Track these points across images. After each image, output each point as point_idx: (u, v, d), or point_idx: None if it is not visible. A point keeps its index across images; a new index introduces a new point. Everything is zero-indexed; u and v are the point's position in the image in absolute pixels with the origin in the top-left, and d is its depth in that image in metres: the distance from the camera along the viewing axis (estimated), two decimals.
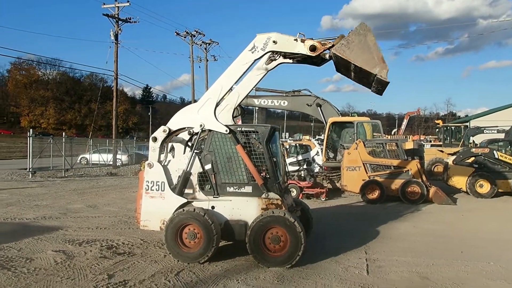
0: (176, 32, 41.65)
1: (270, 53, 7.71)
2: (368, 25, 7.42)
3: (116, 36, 31.40)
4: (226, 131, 7.58)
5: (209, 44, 45.78)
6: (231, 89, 7.91)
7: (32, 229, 9.83)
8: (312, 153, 22.01)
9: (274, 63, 7.80)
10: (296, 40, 7.54)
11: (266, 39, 7.62)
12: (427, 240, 9.43)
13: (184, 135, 7.99)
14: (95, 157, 30.12)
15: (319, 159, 20.10)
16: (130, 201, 14.61)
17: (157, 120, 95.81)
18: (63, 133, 27.79)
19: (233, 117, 19.81)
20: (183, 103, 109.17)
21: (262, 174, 7.55)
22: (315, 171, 19.24)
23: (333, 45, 7.42)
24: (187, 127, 7.90)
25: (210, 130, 7.73)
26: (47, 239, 8.90)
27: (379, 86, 7.65)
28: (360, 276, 6.81)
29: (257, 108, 22.09)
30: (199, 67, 52.09)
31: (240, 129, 7.72)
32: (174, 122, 7.99)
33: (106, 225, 10.39)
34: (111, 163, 30.38)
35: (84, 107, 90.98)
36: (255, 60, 7.68)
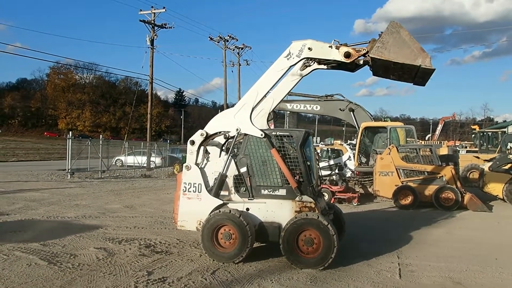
0: (209, 37, 42.44)
1: (305, 59, 7.87)
2: (398, 21, 7.48)
3: (152, 42, 32.18)
4: (262, 135, 7.79)
5: (242, 48, 46.34)
6: (266, 94, 8.10)
7: (74, 227, 10.30)
8: (344, 157, 22.00)
9: (308, 69, 7.96)
10: (330, 47, 7.68)
11: (301, 46, 7.79)
12: (461, 246, 9.37)
13: (220, 139, 8.24)
14: (130, 159, 30.90)
15: (351, 164, 20.09)
16: (165, 202, 15.02)
17: (189, 124, 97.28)
18: (101, 136, 28.62)
19: (267, 121, 19.97)
20: (214, 107, 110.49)
21: (296, 178, 7.73)
22: (347, 175, 19.23)
23: (367, 52, 7.52)
24: (224, 131, 8.16)
25: (246, 134, 7.95)
26: (89, 236, 9.31)
27: (424, 76, 7.68)
28: (393, 280, 6.88)
29: (288, 112, 22.27)
30: (232, 71, 52.92)
31: (275, 133, 7.92)
32: (211, 126, 8.25)
33: (143, 225, 10.77)
34: (145, 165, 31.09)
35: (119, 110, 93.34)
36: (290, 66, 7.86)
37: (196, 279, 6.64)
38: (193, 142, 8.19)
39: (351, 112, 19.75)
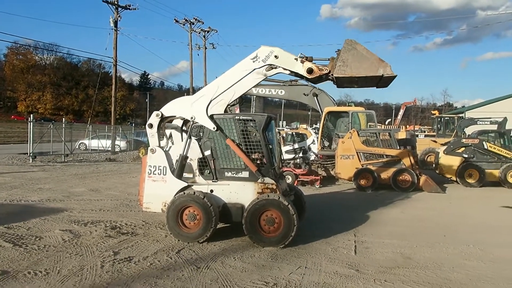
0: (175, 19, 42.03)
1: (270, 64, 8.12)
2: (352, 38, 7.87)
3: (115, 23, 31.57)
4: (214, 128, 8.07)
5: (208, 32, 46.04)
6: (227, 89, 8.29)
7: (38, 210, 10.31)
8: (308, 141, 22.48)
9: (273, 71, 8.20)
10: (296, 59, 7.93)
11: (269, 52, 8.00)
12: (413, 225, 9.97)
13: (178, 121, 8.53)
14: (94, 143, 30.51)
15: (315, 148, 20.60)
16: (130, 185, 15.10)
17: (154, 107, 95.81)
18: (63, 119, 28.10)
19: (231, 105, 20.20)
20: (180, 90, 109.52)
21: (258, 161, 8.05)
22: (311, 159, 19.72)
23: (329, 71, 7.83)
24: (179, 116, 8.40)
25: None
26: (53, 219, 9.38)
27: (386, 81, 8.11)
28: (348, 256, 7.33)
29: (254, 96, 22.49)
30: (198, 54, 52.27)
31: (238, 117, 8.18)
32: (168, 109, 8.47)
33: (109, 208, 10.88)
34: (109, 149, 30.79)
35: (82, 92, 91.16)
36: (254, 68, 8.07)
37: (161, 258, 6.89)
38: (151, 125, 8.41)
39: (315, 97, 20.18)
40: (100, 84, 64.37)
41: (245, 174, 8.04)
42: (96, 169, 20.69)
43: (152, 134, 8.41)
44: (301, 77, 8.25)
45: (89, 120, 38.03)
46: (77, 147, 29.76)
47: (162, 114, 8.36)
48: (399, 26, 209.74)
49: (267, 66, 8.08)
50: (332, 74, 7.76)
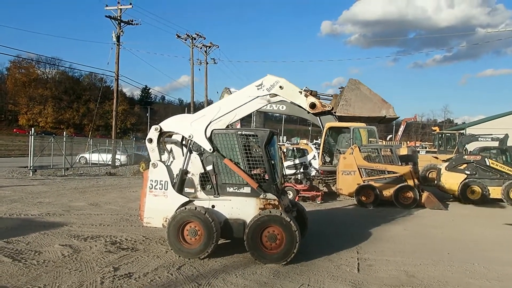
0: (177, 34, 42.24)
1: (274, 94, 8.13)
2: (356, 78, 7.95)
3: (118, 38, 31.78)
4: (210, 149, 8.06)
5: (209, 47, 46.29)
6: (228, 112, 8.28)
7: (38, 224, 10.22)
8: (309, 157, 22.45)
9: (276, 98, 8.25)
10: (300, 92, 7.96)
11: (274, 82, 8.03)
12: (416, 242, 9.86)
13: (178, 136, 8.53)
14: (94, 157, 30.44)
15: (316, 163, 20.53)
16: (131, 200, 15.02)
17: (155, 121, 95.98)
18: (64, 133, 28.08)
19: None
20: (181, 105, 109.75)
21: (260, 176, 8.00)
22: (312, 174, 19.65)
23: (332, 108, 7.85)
24: (178, 133, 8.39)
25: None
26: (53, 234, 9.29)
27: (389, 121, 8.13)
28: (351, 274, 7.24)
29: (255, 111, 22.52)
30: (199, 69, 52.76)
31: (240, 132, 8.14)
32: (167, 125, 8.46)
33: (109, 222, 10.79)
34: (110, 163, 30.72)
35: (83, 106, 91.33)
36: (258, 96, 8.07)
37: (162, 275, 6.79)
38: (150, 140, 8.39)
39: None
40: (101, 98, 64.38)
41: (247, 189, 7.98)
42: (96, 183, 20.61)
43: (152, 148, 8.38)
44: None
45: (90, 134, 38.03)
46: (77, 160, 29.68)
47: (161, 129, 8.35)
48: (399, 43, 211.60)
49: (271, 94, 8.08)
50: (335, 112, 7.76)
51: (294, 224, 7.49)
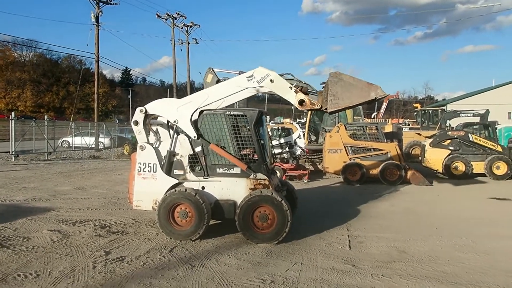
0: (157, 14, 41.49)
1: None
2: (335, 70, 7.83)
3: (97, 18, 31.07)
4: (195, 136, 7.98)
5: (191, 27, 45.64)
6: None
7: (24, 210, 10.06)
8: (294, 136, 22.46)
9: (265, 89, 8.09)
10: (290, 88, 7.82)
11: (265, 75, 7.87)
12: (405, 218, 10.00)
13: (163, 119, 8.38)
14: (77, 140, 30.04)
15: (301, 142, 20.56)
16: (117, 183, 14.89)
17: (137, 103, 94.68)
18: (45, 116, 27.56)
19: None
20: (163, 86, 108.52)
21: (249, 156, 7.97)
22: (297, 153, 19.71)
23: (321, 107, 7.73)
24: (163, 116, 8.27)
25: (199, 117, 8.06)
26: (40, 219, 9.15)
27: (380, 100, 8.11)
28: (343, 251, 7.30)
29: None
30: (181, 50, 51.97)
31: (229, 112, 8.05)
32: (153, 107, 8.29)
33: (97, 206, 10.68)
34: (93, 146, 30.37)
35: (62, 89, 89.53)
36: (248, 87, 7.93)
37: (154, 257, 6.75)
38: (136, 122, 8.24)
39: None
40: (81, 81, 63.43)
41: (237, 170, 7.93)
42: (80, 167, 20.35)
43: (138, 131, 8.24)
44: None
45: (72, 117, 37.44)
46: (60, 144, 29.28)
47: (146, 110, 8.20)
48: (380, 20, 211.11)
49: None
50: (325, 109, 7.66)
51: (286, 204, 7.49)
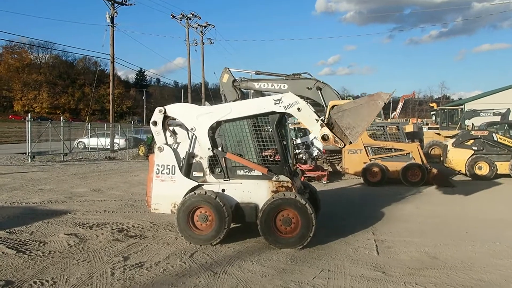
0: (172, 15, 41.38)
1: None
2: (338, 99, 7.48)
3: (112, 19, 31.08)
4: (209, 149, 7.69)
5: (205, 27, 45.49)
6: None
7: (40, 212, 9.89)
8: (311, 136, 22.08)
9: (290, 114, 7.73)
10: (317, 120, 7.42)
11: (293, 102, 7.45)
12: (431, 221, 9.59)
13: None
14: (93, 142, 30.05)
15: (318, 143, 20.16)
16: (133, 184, 14.70)
17: (151, 104, 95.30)
18: (61, 117, 27.62)
19: (233, 101, 19.75)
20: (177, 87, 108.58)
21: (272, 157, 7.69)
22: (314, 154, 19.34)
23: (344, 145, 7.37)
24: (180, 121, 8.00)
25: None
26: (57, 222, 8.96)
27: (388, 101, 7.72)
28: (371, 257, 6.95)
29: (251, 92, 21.97)
30: (195, 50, 51.76)
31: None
32: (172, 110, 7.98)
33: (114, 209, 10.47)
34: (108, 147, 30.35)
35: (78, 91, 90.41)
36: (274, 111, 7.56)
37: (174, 263, 6.48)
38: (155, 123, 7.96)
39: (319, 91, 19.70)
40: (96, 82, 63.83)
41: (259, 172, 7.64)
42: (96, 168, 20.25)
43: (157, 131, 7.97)
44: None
45: (88, 118, 37.54)
46: (75, 146, 29.31)
47: (165, 111, 7.92)
48: (394, 19, 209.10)
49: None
50: (350, 143, 7.30)
51: (310, 207, 7.17)
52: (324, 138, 7.36)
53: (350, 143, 7.25)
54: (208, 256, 6.88)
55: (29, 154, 22.60)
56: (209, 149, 7.70)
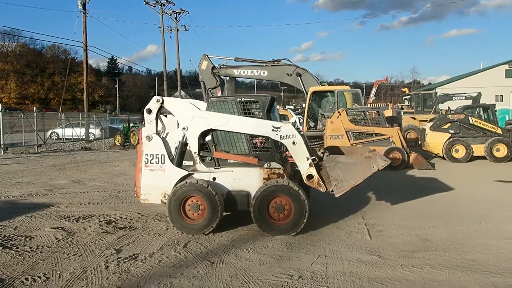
0: (145, 1, 40.42)
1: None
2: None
3: (84, 5, 30.15)
4: (195, 153, 7.60)
5: (179, 13, 44.72)
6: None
7: (22, 206, 9.59)
8: (290, 122, 22.13)
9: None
10: (307, 158, 7.40)
11: (291, 135, 7.39)
12: (417, 204, 9.74)
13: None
14: (67, 132, 29.35)
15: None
16: (115, 175, 14.44)
17: (124, 93, 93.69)
18: (34, 108, 26.85)
19: (213, 88, 19.55)
20: (149, 75, 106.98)
21: (263, 144, 7.63)
22: None
23: (327, 189, 7.39)
24: (175, 116, 7.85)
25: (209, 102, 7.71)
26: (41, 216, 8.70)
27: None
28: (364, 241, 7.00)
29: (227, 78, 21.80)
30: (170, 37, 51.07)
31: (240, 99, 7.65)
32: (170, 104, 7.81)
33: (98, 200, 10.24)
34: (83, 137, 29.70)
35: (47, 80, 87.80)
36: (269, 136, 7.49)
37: (169, 254, 6.38)
38: (150, 111, 7.77)
39: (299, 77, 19.74)
40: (67, 71, 62.20)
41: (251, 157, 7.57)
42: (73, 159, 19.78)
43: (149, 120, 7.78)
44: None
45: (60, 108, 36.60)
46: (49, 136, 28.58)
47: (162, 101, 7.73)
48: (365, 5, 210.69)
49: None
50: (332, 191, 7.27)
51: (303, 193, 7.16)
52: (309, 177, 7.47)
53: (332, 192, 7.21)
54: (202, 245, 6.79)
55: (2, 146, 21.90)
56: (195, 153, 7.60)
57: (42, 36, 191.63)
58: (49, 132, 29.40)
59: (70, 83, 78.58)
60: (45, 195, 10.95)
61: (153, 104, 7.74)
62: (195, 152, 7.60)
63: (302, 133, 7.31)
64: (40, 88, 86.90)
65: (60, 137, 29.60)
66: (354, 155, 7.52)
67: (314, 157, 7.59)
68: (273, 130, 7.44)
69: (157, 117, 7.81)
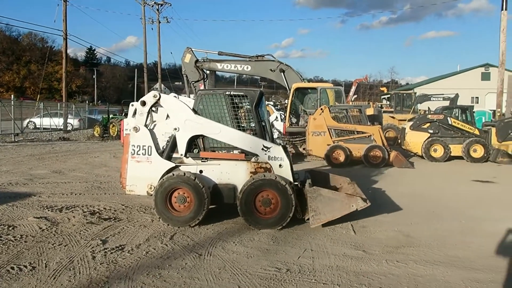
0: None
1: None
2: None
3: None
4: (182, 154, 7.64)
5: (162, 5, 44.28)
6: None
7: (2, 195, 9.43)
8: (271, 118, 22.19)
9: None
10: (290, 183, 7.42)
11: (279, 157, 7.56)
12: (399, 201, 9.88)
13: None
14: (45, 121, 28.80)
15: (278, 125, 20.29)
16: (95, 166, 14.28)
17: (102, 84, 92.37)
18: (12, 96, 26.28)
19: (195, 82, 19.47)
20: (128, 66, 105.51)
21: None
22: (275, 136, 19.42)
23: (303, 218, 7.50)
24: (168, 114, 7.86)
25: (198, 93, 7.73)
26: (23, 205, 8.58)
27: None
28: (349, 236, 7.12)
29: (207, 72, 21.71)
30: (152, 29, 50.41)
31: (229, 93, 7.67)
32: (165, 101, 7.83)
33: (80, 191, 10.13)
34: (61, 127, 29.20)
35: (23, 68, 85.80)
36: (257, 153, 7.55)
37: (156, 246, 6.37)
38: (144, 103, 7.74)
39: (282, 73, 19.81)
40: (43, 59, 60.90)
41: (237, 153, 7.60)
42: (52, 149, 19.46)
43: (142, 112, 7.74)
44: None
45: (38, 97, 35.83)
46: (26, 126, 28.01)
47: (159, 98, 7.70)
48: (346, 4, 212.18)
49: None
50: (307, 220, 7.35)
51: (290, 188, 7.23)
52: None
53: (307, 220, 7.29)
54: (189, 238, 6.81)
55: None
56: (181, 154, 7.60)
57: (19, 23, 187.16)
58: (26, 121, 28.81)
59: (47, 72, 76.92)
60: (25, 184, 10.79)
61: (149, 98, 7.72)
62: (181, 154, 7.62)
63: (290, 156, 7.48)
64: (15, 76, 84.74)
65: (38, 126, 29.03)
66: (338, 194, 7.61)
67: (297, 183, 7.72)
68: (262, 149, 7.52)
69: (149, 111, 7.79)
